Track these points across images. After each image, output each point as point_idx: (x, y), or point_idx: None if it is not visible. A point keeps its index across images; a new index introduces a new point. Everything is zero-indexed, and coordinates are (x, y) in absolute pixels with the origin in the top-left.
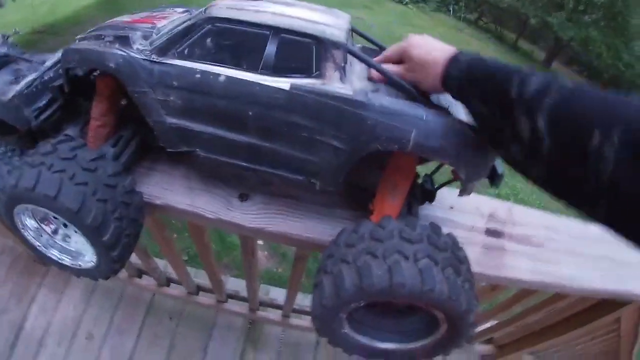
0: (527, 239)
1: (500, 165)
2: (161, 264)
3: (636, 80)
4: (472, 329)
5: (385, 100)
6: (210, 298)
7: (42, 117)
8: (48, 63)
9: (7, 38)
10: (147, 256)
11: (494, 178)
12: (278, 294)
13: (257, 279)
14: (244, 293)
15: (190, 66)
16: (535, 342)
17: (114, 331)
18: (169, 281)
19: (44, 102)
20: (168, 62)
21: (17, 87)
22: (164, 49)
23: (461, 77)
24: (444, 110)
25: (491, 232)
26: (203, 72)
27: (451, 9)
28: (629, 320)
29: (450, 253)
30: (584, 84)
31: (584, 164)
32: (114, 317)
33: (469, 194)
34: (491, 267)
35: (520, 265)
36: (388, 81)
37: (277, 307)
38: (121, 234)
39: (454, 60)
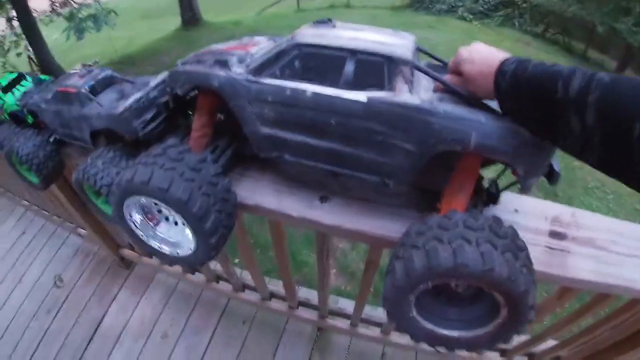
0: (590, 242)
1: (557, 164)
2: (237, 271)
3: None
4: (532, 312)
5: (449, 107)
6: (282, 304)
7: (148, 128)
8: (152, 83)
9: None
10: (227, 261)
11: (552, 176)
12: (347, 305)
13: (328, 286)
14: (314, 301)
15: (281, 84)
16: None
17: (188, 332)
18: (244, 287)
19: (149, 115)
20: (263, 81)
21: (127, 103)
22: (259, 70)
23: (508, 87)
24: (500, 114)
25: (555, 234)
26: (293, 89)
27: (516, 22)
28: None
29: (510, 241)
30: (619, 75)
31: (631, 151)
32: (189, 319)
33: (529, 190)
34: (554, 267)
35: (583, 266)
36: (449, 91)
37: (346, 316)
38: (219, 224)
39: (500, 72)
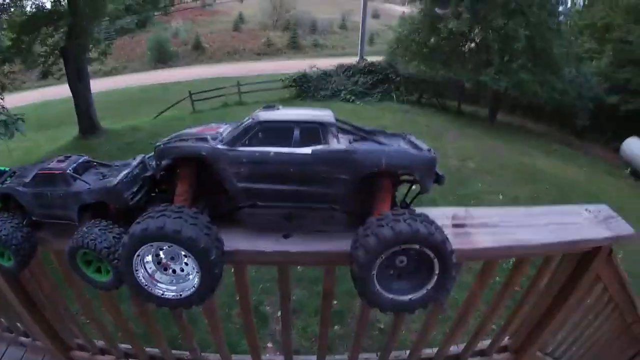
0: (484, 224)
1: (440, 171)
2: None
3: (574, 102)
4: (453, 256)
5: (363, 146)
6: None
7: (136, 199)
8: (134, 163)
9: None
10: (191, 337)
11: (439, 180)
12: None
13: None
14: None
15: (251, 149)
16: (541, 332)
17: None
18: None
19: (135, 188)
20: (238, 149)
21: (118, 178)
22: (232, 142)
23: None
24: (397, 142)
25: (456, 225)
26: (260, 151)
27: (393, 95)
28: (606, 273)
29: (424, 217)
30: None
31: None
32: None
33: (428, 191)
34: (463, 244)
35: (484, 239)
36: (361, 138)
37: None
38: (219, 257)
39: None
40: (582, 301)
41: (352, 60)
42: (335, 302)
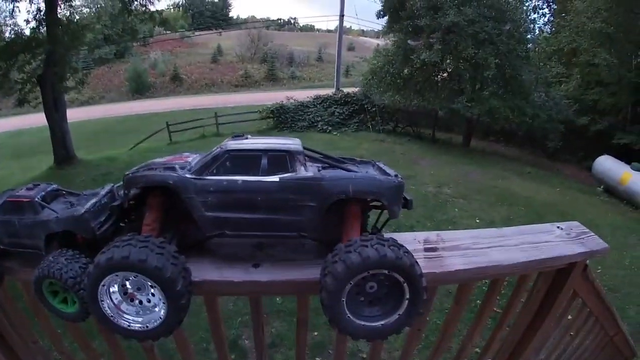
0: (456, 247)
1: (409, 195)
2: None
3: (545, 125)
4: (422, 280)
5: (331, 173)
6: None
7: (103, 228)
8: (102, 192)
9: None
10: None
11: (407, 204)
12: None
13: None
14: None
15: (219, 178)
16: (523, 351)
17: None
18: None
19: (103, 218)
20: (205, 177)
21: (85, 206)
22: (200, 171)
23: None
24: (366, 169)
25: (428, 249)
26: (228, 180)
27: (369, 125)
28: (583, 288)
29: (392, 241)
30: None
31: None
32: None
33: (396, 216)
34: (435, 267)
35: (456, 262)
36: (328, 165)
37: None
38: (186, 287)
39: None
40: (562, 318)
41: (328, 91)
42: (315, 333)
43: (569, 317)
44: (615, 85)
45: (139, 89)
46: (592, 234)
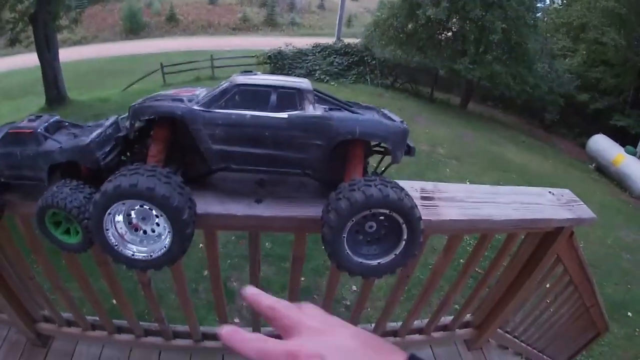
0: (451, 198)
1: (412, 142)
2: None
3: (545, 97)
4: (420, 222)
5: (338, 114)
6: (216, 343)
7: (108, 159)
8: (107, 123)
9: None
10: (158, 307)
11: (410, 151)
12: None
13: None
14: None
15: (228, 111)
16: (502, 309)
17: None
18: (174, 335)
19: (108, 148)
20: (214, 110)
21: (91, 137)
22: (208, 104)
23: None
24: (371, 113)
25: (425, 198)
26: (236, 114)
27: (368, 78)
28: (567, 254)
29: (394, 184)
30: None
31: None
32: None
33: (398, 161)
34: (432, 215)
35: (451, 213)
36: (336, 107)
37: None
38: (191, 216)
39: None
40: (543, 281)
41: (328, 40)
42: (303, 278)
43: (548, 285)
44: (620, 66)
45: (134, 28)
46: (582, 202)
